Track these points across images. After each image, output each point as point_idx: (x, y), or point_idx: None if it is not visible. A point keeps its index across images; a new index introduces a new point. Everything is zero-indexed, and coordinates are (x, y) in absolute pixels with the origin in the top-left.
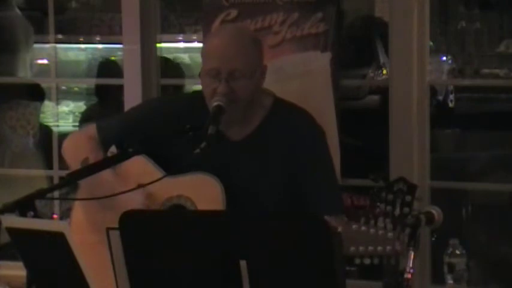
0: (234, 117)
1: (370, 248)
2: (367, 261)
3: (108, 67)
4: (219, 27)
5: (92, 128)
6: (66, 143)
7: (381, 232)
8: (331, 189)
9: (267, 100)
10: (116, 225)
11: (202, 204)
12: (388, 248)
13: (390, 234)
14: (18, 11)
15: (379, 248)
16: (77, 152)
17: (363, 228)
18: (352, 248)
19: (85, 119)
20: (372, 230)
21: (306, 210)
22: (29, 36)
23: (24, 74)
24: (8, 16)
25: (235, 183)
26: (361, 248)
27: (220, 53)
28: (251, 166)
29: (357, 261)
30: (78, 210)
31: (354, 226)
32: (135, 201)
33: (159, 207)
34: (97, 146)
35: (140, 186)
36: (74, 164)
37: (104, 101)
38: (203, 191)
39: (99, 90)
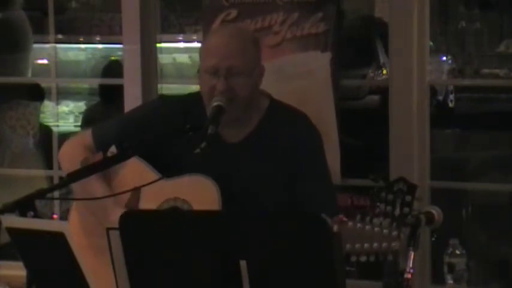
0: (233, 117)
1: (366, 245)
2: (363, 258)
3: (114, 67)
4: (219, 27)
5: (87, 135)
6: (62, 150)
7: (376, 229)
8: (326, 191)
9: (263, 102)
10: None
11: (199, 207)
12: (384, 244)
13: (386, 231)
14: (21, 10)
15: (375, 245)
16: (73, 159)
17: (359, 225)
18: (348, 246)
19: (87, 119)
20: (368, 227)
21: (303, 210)
22: (31, 36)
23: (28, 74)
24: (16, 16)
25: (235, 184)
26: (357, 246)
27: (220, 51)
28: (250, 167)
29: (353, 258)
30: (74, 214)
31: (350, 224)
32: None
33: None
34: (92, 152)
35: (136, 188)
36: (71, 170)
37: (107, 102)
38: (199, 193)
39: (103, 90)
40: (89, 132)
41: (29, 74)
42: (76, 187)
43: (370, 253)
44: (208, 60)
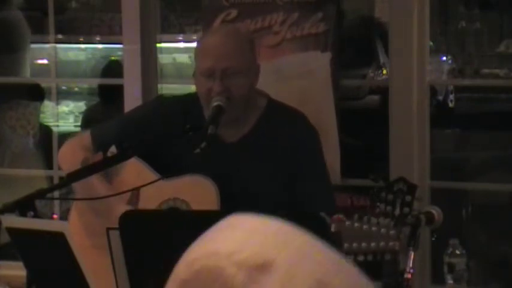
0: (232, 117)
1: (364, 244)
2: (360, 258)
3: (113, 67)
4: (213, 28)
5: (86, 135)
6: (61, 151)
7: (374, 228)
8: (325, 190)
9: (261, 101)
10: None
11: (197, 207)
12: (382, 244)
13: (384, 230)
14: (18, 10)
15: (373, 245)
16: (73, 159)
17: (356, 224)
18: (346, 245)
19: (87, 119)
20: (365, 227)
21: (302, 210)
22: (28, 36)
23: (25, 74)
24: (12, 16)
25: (234, 184)
26: (354, 245)
27: (214, 52)
28: (249, 167)
29: (351, 258)
30: (74, 214)
31: (347, 223)
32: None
33: None
34: (91, 153)
35: (135, 188)
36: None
37: (107, 102)
38: (198, 194)
39: (103, 90)
40: (87, 134)
41: (27, 75)
42: (77, 186)
43: (368, 252)
44: (204, 62)
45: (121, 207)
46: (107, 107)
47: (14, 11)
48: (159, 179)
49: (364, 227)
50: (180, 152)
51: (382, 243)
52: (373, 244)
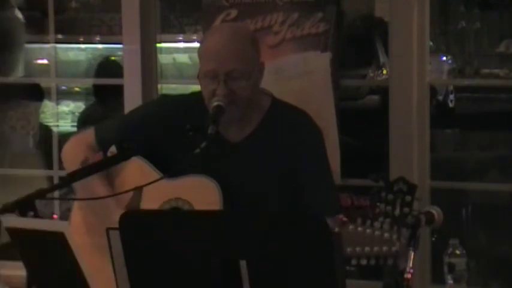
0: (233, 117)
1: (367, 248)
2: (363, 262)
3: (108, 67)
4: (215, 27)
5: (90, 133)
6: (64, 148)
7: (377, 233)
8: (328, 190)
9: (265, 101)
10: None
11: (200, 207)
12: (385, 248)
13: (387, 235)
14: (16, 10)
15: (376, 249)
16: (75, 157)
17: (359, 229)
18: (349, 249)
19: (84, 119)
20: (368, 231)
21: (304, 210)
22: (23, 35)
23: (19, 74)
24: (4, 16)
25: (235, 184)
26: (357, 249)
27: (217, 54)
28: (251, 167)
29: (354, 262)
30: (75, 214)
31: (351, 227)
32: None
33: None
34: (95, 151)
35: (137, 187)
36: (73, 169)
37: (102, 101)
38: (201, 194)
39: (98, 90)
40: (91, 131)
41: (20, 74)
42: (77, 186)
43: (371, 256)
44: (207, 65)
45: (119, 210)
46: (103, 107)
47: (7, 10)
48: (160, 178)
49: (367, 231)
50: (181, 152)
51: (385, 248)
52: (376, 248)
